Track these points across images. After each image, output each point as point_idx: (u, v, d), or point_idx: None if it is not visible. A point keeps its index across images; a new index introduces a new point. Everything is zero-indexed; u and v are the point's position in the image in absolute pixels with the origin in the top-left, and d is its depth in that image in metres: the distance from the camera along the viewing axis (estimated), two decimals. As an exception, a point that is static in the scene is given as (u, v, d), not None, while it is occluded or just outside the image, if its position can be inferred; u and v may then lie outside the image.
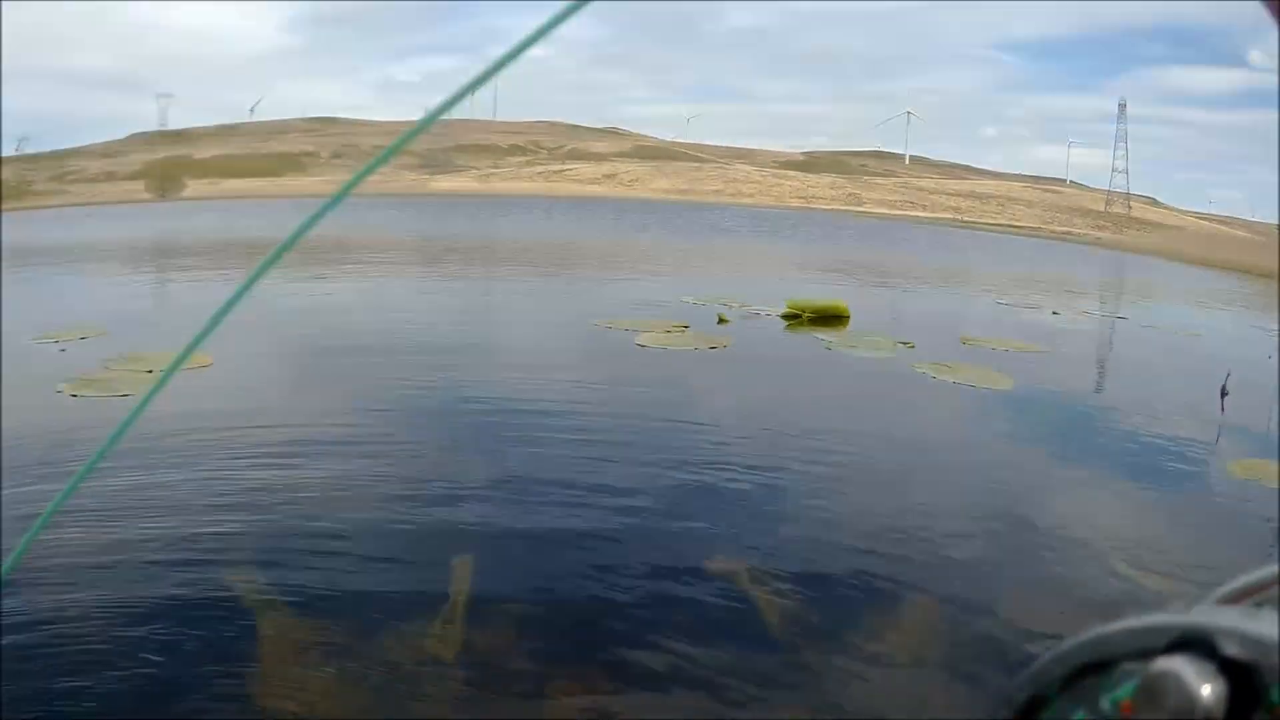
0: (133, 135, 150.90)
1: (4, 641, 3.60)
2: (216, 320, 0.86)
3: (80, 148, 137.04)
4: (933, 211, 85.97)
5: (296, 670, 3.65)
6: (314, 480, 5.73)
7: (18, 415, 6.80)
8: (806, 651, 3.89)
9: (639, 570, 4.59)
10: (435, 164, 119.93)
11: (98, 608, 4.02)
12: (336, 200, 0.85)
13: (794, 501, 5.73)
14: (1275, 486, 6.51)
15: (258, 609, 4.09)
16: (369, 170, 0.83)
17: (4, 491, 5.09)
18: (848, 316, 13.61)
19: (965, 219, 79.91)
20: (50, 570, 4.26)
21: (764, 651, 3.86)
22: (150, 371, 9.05)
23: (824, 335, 12.19)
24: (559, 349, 10.92)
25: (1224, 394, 9.01)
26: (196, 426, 6.84)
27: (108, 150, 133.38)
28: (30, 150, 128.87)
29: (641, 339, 11.16)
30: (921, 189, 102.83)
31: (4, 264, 24.36)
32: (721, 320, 12.87)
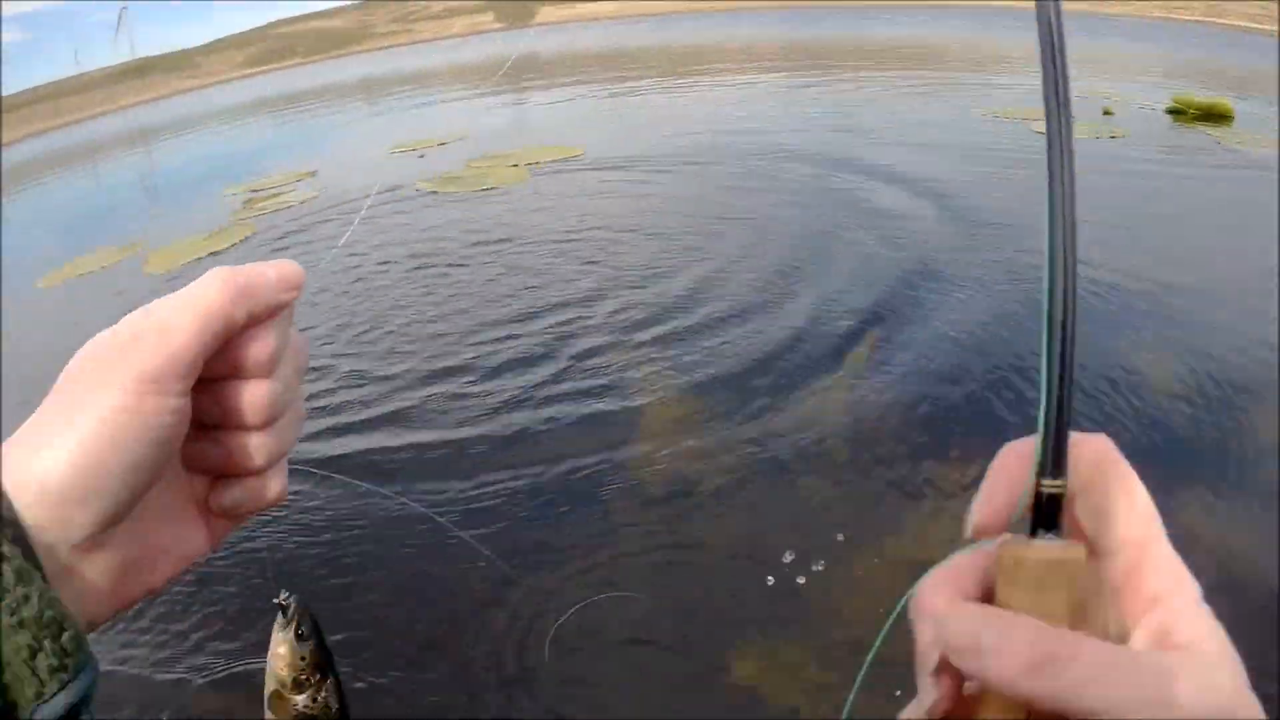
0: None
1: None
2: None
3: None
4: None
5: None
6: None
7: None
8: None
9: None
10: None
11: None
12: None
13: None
14: None
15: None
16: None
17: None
18: (1232, 116, 14.04)
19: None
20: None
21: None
22: (515, 166, 9.87)
23: (1211, 131, 12.88)
24: (951, 140, 12.11)
25: None
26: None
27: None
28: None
29: (1036, 127, 12.42)
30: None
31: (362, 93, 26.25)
32: (1107, 112, 13.78)
